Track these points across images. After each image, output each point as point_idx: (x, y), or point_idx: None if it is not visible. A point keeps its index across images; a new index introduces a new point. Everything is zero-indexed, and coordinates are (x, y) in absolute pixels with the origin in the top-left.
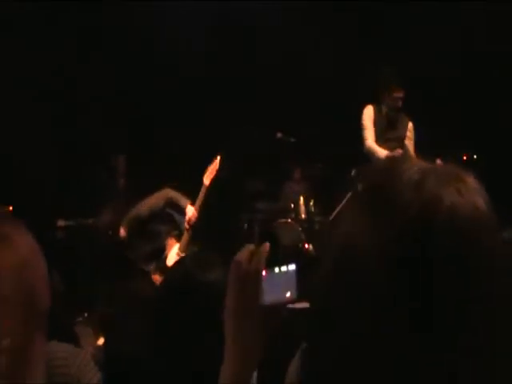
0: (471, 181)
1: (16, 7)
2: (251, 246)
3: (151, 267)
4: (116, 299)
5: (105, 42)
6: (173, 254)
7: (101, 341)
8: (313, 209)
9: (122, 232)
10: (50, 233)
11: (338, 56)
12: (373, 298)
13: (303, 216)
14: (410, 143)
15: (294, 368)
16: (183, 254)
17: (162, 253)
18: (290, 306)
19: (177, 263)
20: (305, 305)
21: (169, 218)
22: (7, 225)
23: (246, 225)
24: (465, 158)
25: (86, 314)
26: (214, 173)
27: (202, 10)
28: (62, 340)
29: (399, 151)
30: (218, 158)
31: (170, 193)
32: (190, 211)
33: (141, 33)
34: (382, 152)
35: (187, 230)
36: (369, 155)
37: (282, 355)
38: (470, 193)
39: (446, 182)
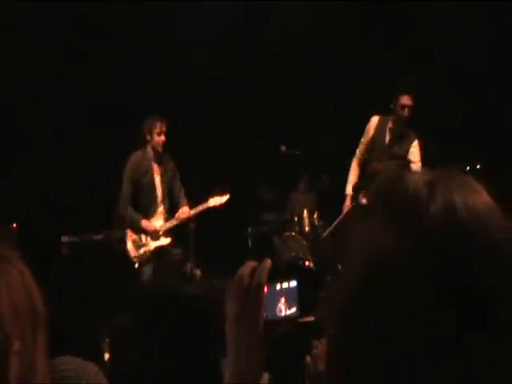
0: (466, 179)
1: (16, 7)
2: (253, 262)
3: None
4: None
5: (105, 41)
6: (154, 224)
7: (106, 356)
8: (316, 222)
9: None
10: (54, 249)
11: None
12: (416, 312)
13: (307, 229)
14: (414, 161)
15: None
16: (161, 232)
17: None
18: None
19: (159, 276)
20: (309, 318)
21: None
22: (5, 248)
23: (251, 236)
24: (468, 168)
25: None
26: (219, 204)
27: (203, 10)
28: (88, 355)
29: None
30: (228, 196)
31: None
32: (186, 209)
33: (141, 32)
34: (352, 174)
35: (177, 219)
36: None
37: (287, 367)
38: (474, 190)
39: (452, 185)
